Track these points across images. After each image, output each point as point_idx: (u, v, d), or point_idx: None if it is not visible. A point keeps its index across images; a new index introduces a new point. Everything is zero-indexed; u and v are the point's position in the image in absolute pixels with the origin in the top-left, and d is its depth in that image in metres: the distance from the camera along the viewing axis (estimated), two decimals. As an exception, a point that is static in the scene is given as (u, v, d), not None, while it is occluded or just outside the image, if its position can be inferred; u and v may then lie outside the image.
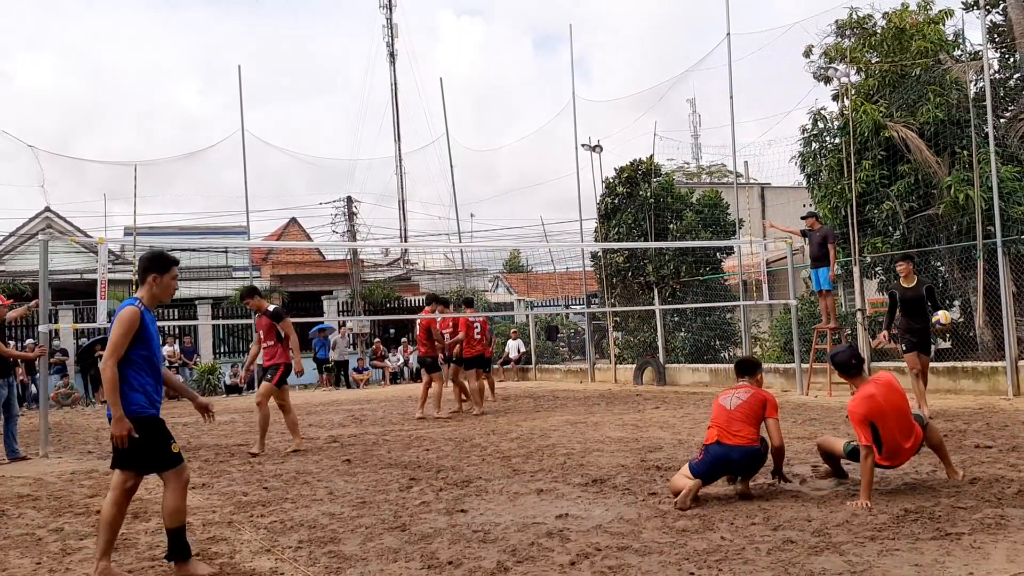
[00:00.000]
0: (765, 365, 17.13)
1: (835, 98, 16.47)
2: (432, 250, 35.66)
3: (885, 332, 10.93)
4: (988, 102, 13.10)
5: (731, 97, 18.56)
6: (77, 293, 27.58)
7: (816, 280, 14.33)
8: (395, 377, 25.35)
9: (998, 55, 15.66)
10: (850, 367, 6.30)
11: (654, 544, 4.94)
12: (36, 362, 13.02)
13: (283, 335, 10.04)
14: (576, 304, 29.12)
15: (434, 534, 5.43)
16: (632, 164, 21.09)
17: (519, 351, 25.00)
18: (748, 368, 6.76)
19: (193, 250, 33.06)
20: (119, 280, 27.35)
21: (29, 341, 21.25)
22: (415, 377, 24.45)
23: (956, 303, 15.09)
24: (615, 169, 21.51)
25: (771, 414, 6.23)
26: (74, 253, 29.08)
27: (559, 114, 34.66)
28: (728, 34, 18.58)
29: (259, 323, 10.20)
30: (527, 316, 26.38)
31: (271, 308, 10.18)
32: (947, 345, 15.07)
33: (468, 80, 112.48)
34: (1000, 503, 5.56)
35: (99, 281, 11.71)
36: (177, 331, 25.08)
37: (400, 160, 38.41)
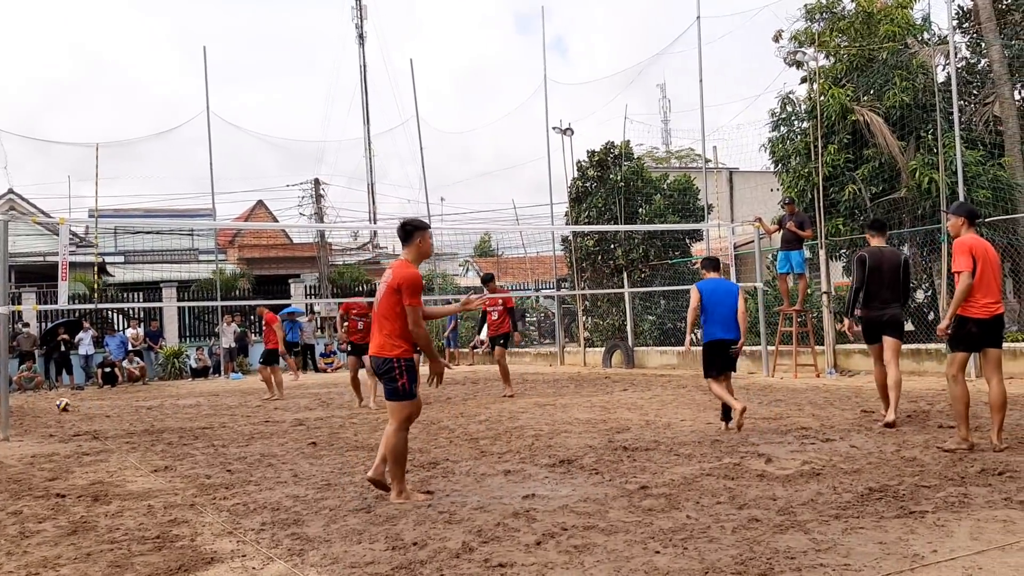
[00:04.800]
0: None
1: (804, 81, 16.53)
2: (402, 233, 35.25)
3: (848, 320, 8.84)
4: (954, 86, 13.19)
5: (700, 81, 18.62)
6: (41, 276, 27.12)
7: (786, 262, 14.41)
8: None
9: (965, 40, 15.77)
10: (975, 216, 7.12)
11: (620, 523, 4.92)
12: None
13: None
14: (546, 288, 29.11)
15: (399, 515, 5.38)
16: (605, 147, 21.05)
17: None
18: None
19: (158, 232, 32.66)
20: (81, 263, 26.94)
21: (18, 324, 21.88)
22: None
23: (921, 286, 15.25)
24: (587, 152, 21.49)
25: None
26: (37, 235, 28.61)
27: (533, 95, 34.52)
28: (698, 17, 18.59)
29: None
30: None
31: None
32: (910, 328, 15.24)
33: (447, 59, 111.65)
34: (963, 481, 5.61)
35: (60, 263, 11.51)
36: (143, 314, 24.73)
37: (369, 142, 38.19)
